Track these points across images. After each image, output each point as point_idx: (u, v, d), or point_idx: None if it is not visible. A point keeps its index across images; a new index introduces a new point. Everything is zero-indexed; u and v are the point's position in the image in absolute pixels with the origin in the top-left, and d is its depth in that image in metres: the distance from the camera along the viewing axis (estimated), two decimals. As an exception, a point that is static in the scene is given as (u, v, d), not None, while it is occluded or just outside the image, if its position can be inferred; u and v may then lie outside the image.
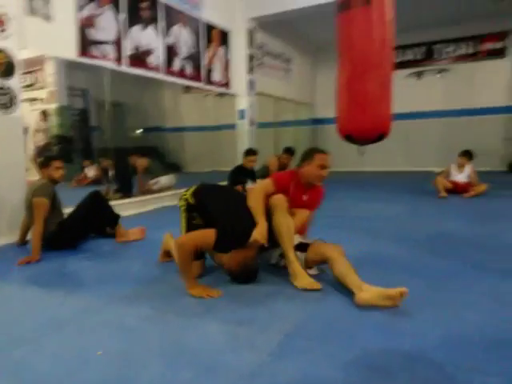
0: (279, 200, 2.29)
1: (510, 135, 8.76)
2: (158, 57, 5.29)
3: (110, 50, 4.57)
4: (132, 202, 5.04)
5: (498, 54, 8.78)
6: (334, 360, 1.44)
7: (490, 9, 7.90)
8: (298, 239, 2.37)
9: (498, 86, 8.80)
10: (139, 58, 5.00)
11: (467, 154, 5.62)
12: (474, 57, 9.01)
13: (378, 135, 2.02)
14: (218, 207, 2.34)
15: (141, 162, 5.95)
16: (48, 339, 1.69)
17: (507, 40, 8.68)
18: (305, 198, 2.52)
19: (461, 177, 5.59)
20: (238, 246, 2.18)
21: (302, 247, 2.32)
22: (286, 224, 2.22)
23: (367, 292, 1.88)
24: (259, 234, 2.16)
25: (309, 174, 2.47)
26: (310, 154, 2.49)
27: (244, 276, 2.22)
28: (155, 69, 5.28)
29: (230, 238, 2.16)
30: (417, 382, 1.30)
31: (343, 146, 8.65)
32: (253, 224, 2.22)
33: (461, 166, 5.62)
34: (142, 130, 10.13)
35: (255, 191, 2.35)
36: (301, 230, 2.47)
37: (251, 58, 7.37)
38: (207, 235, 2.14)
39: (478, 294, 2.03)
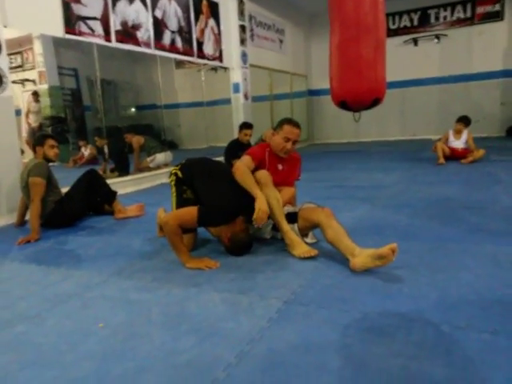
0: (263, 174, 2.29)
1: (507, 100, 8.68)
2: (146, 31, 5.17)
3: (97, 26, 4.46)
4: (129, 179, 5.03)
5: (494, 16, 8.59)
6: (332, 324, 1.47)
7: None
8: (285, 209, 2.36)
9: (494, 49, 8.65)
10: (128, 32, 4.88)
11: (464, 120, 5.57)
12: (470, 21, 8.82)
13: (372, 100, 1.98)
14: (203, 181, 2.34)
15: (136, 140, 5.91)
16: (50, 314, 1.71)
17: (502, 3, 8.48)
18: (280, 167, 2.51)
19: (458, 143, 5.56)
20: (224, 221, 2.18)
21: (290, 217, 2.32)
22: (274, 196, 2.22)
23: (360, 256, 1.90)
24: (262, 210, 2.14)
25: (275, 144, 2.46)
26: (280, 124, 2.47)
27: (236, 249, 2.24)
28: (145, 44, 5.16)
29: (214, 214, 2.16)
30: (414, 341, 1.32)
31: (340, 117, 8.61)
32: (240, 197, 2.22)
33: (458, 133, 5.58)
34: (135, 108, 10.02)
35: (241, 168, 2.33)
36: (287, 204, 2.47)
37: (243, 28, 7.21)
38: (189, 213, 2.14)
39: (475, 257, 2.05)
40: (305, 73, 10.35)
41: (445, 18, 9.04)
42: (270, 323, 1.50)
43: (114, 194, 3.49)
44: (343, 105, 2.04)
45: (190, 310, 1.65)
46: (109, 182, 3.74)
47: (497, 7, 8.56)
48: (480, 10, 8.70)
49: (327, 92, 10.21)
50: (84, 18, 4.30)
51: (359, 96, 1.97)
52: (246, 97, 7.38)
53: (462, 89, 9.02)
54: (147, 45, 5.20)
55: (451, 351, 1.26)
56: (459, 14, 8.90)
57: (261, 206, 2.14)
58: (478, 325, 1.39)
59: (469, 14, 8.82)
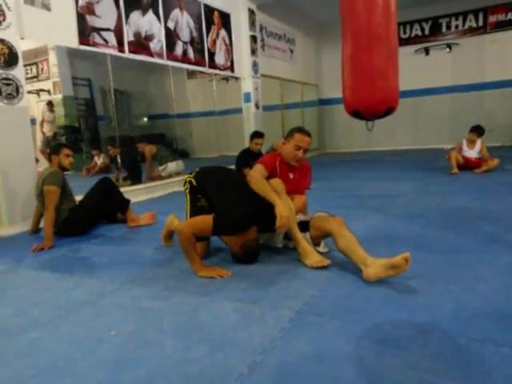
0: (277, 182, 2.29)
1: (522, 109, 8.58)
2: (159, 42, 5.25)
3: (111, 37, 4.54)
4: (141, 188, 5.07)
5: (507, 25, 8.54)
6: (345, 335, 1.45)
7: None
8: (297, 218, 2.36)
9: (507, 58, 8.58)
10: (141, 43, 4.96)
11: (478, 130, 5.51)
12: (482, 30, 8.77)
13: (386, 109, 1.97)
14: (217, 190, 2.35)
15: (148, 149, 5.97)
16: (63, 321, 1.72)
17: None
18: (291, 176, 2.50)
19: (472, 153, 5.50)
20: (239, 230, 2.17)
21: (302, 226, 2.31)
22: (288, 205, 2.22)
23: (373, 266, 1.88)
24: (284, 217, 2.12)
25: (286, 153, 2.46)
26: (291, 133, 2.46)
27: (246, 257, 2.23)
28: (157, 54, 5.24)
29: (230, 223, 2.15)
30: (430, 353, 1.30)
31: (351, 126, 8.61)
32: (254, 207, 2.21)
33: (472, 142, 5.52)
34: (147, 118, 10.13)
35: (255, 176, 2.33)
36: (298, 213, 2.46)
37: (254, 39, 7.28)
38: (205, 221, 2.14)
39: (491, 268, 2.01)
40: (316, 82, 10.38)
41: (456, 26, 9.01)
42: (282, 333, 1.48)
43: (128, 202, 3.52)
44: (356, 114, 2.04)
45: (202, 318, 1.64)
46: (121, 190, 3.77)
47: (509, 16, 8.50)
48: (492, 18, 8.65)
49: (338, 101, 10.19)
50: (98, 30, 4.39)
51: (372, 105, 1.96)
52: (257, 106, 7.42)
53: (474, 98, 8.95)
54: (160, 55, 5.28)
55: (469, 365, 1.23)
56: (471, 22, 8.86)
57: (282, 212, 2.13)
58: (496, 338, 1.36)
59: (481, 23, 8.77)
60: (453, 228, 2.78)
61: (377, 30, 1.89)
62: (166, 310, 1.74)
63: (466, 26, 8.91)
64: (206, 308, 1.74)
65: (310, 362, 1.29)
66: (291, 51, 9.12)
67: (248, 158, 5.26)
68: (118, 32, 4.64)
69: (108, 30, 4.52)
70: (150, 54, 5.14)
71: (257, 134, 5.25)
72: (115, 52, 4.63)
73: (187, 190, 2.47)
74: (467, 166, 5.38)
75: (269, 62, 8.01)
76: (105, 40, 4.46)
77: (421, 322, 1.50)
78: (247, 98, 7.34)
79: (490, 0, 8.51)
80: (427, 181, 4.95)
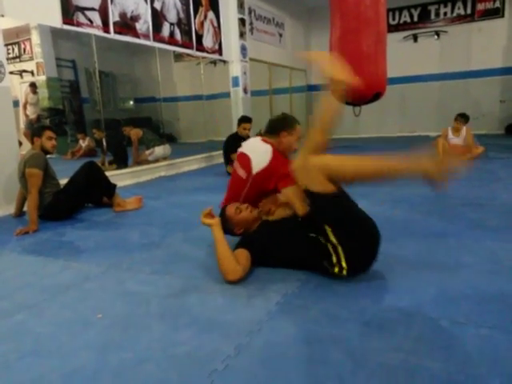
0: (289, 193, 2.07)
1: (506, 97, 8.68)
2: (145, 22, 5.13)
3: (95, 17, 4.42)
4: (127, 172, 5.01)
5: (495, 13, 8.57)
6: (331, 318, 1.47)
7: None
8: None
9: (494, 47, 8.63)
10: (126, 24, 4.84)
11: (462, 118, 5.57)
12: (470, 18, 8.79)
13: (373, 94, 1.97)
14: None
15: (135, 133, 5.89)
16: (48, 304, 1.71)
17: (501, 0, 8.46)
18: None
19: (457, 140, 5.56)
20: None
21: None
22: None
23: None
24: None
25: (288, 146, 2.27)
26: (291, 124, 2.29)
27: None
28: (144, 35, 5.12)
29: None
30: (412, 335, 1.33)
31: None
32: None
33: (457, 130, 5.57)
34: (133, 101, 9.97)
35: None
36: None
37: (242, 22, 7.17)
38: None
39: (474, 252, 2.05)
40: (304, 67, 10.30)
41: (445, 14, 9.01)
42: (269, 316, 1.50)
43: (114, 186, 3.47)
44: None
45: (189, 302, 1.65)
46: (108, 174, 3.72)
47: (497, 4, 8.53)
48: (480, 6, 8.66)
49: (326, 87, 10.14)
50: (82, 9, 4.26)
51: (360, 90, 1.96)
52: (245, 91, 7.35)
53: (461, 86, 9.01)
54: (146, 37, 5.17)
55: (450, 346, 1.26)
56: (459, 10, 8.87)
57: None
58: (477, 320, 1.40)
59: (469, 11, 8.78)
60: (437, 214, 2.82)
61: (365, 12, 1.88)
62: (153, 294, 1.74)
63: (455, 14, 8.92)
64: (193, 291, 1.75)
65: (297, 344, 1.31)
66: (280, 35, 9.02)
67: (236, 143, 5.19)
68: (103, 12, 4.51)
69: (92, 9, 4.39)
70: (136, 35, 5.02)
71: (245, 119, 5.21)
72: (100, 32, 4.51)
73: None
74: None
75: (257, 46, 7.92)
76: (89, 20, 4.34)
77: (404, 305, 1.53)
78: (235, 82, 7.26)
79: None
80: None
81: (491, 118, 8.77)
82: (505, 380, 1.10)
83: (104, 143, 5.47)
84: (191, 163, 6.13)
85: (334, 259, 1.70)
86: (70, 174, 3.38)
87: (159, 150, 5.83)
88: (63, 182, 3.37)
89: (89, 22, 4.34)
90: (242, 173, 2.24)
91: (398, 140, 8.73)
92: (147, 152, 5.82)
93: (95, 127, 6.01)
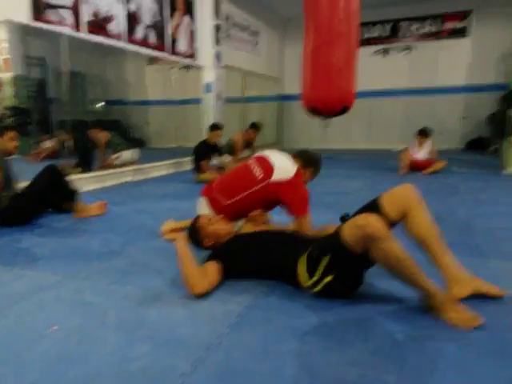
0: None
1: (468, 114, 9.07)
2: (119, 24, 5.04)
3: (66, 15, 4.31)
4: (92, 176, 4.88)
5: (460, 32, 8.97)
6: (292, 330, 1.47)
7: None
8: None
9: (458, 65, 9.02)
10: (99, 24, 4.75)
11: (423, 133, 5.79)
12: (437, 35, 9.16)
13: (342, 107, 2.01)
14: None
15: (102, 136, 5.76)
16: (1, 315, 1.62)
17: (468, 20, 8.87)
18: None
19: (421, 154, 5.75)
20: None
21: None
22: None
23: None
24: None
25: (304, 181, 2.38)
26: (317, 170, 2.42)
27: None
28: (116, 36, 5.03)
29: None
30: (369, 348, 1.34)
31: (308, 123, 8.67)
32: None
33: (420, 144, 5.77)
34: (103, 103, 9.76)
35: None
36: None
37: (217, 28, 7.17)
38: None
39: (430, 266, 2.10)
40: (278, 76, 10.42)
41: (415, 30, 9.34)
42: (229, 329, 1.48)
43: (76, 191, 3.37)
44: (313, 111, 2.06)
45: (148, 314, 1.61)
46: (71, 178, 3.61)
47: (463, 24, 8.92)
48: (448, 25, 9.03)
49: (298, 97, 10.30)
50: (53, 6, 4.14)
51: (329, 103, 1.99)
52: (218, 97, 7.34)
53: (427, 102, 9.34)
54: (119, 38, 5.08)
55: (406, 359, 1.29)
56: (428, 27, 9.21)
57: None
58: (432, 334, 1.43)
59: (437, 29, 9.14)
60: (398, 227, 2.88)
61: (338, 26, 1.91)
62: (111, 305, 1.69)
63: (425, 31, 9.25)
64: (153, 303, 1.71)
65: (256, 358, 1.30)
66: (255, 44, 9.09)
67: (206, 150, 5.21)
68: (75, 10, 4.40)
69: (64, 7, 4.28)
70: (109, 36, 4.93)
71: (216, 126, 5.21)
72: (72, 31, 4.39)
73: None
74: (416, 166, 5.62)
75: (232, 54, 7.94)
76: (61, 18, 4.23)
77: (365, 318, 1.55)
78: (208, 88, 7.23)
79: (447, 7, 8.87)
80: (377, 179, 5.12)
81: (454, 133, 9.12)
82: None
83: (69, 145, 5.31)
84: (159, 169, 6.05)
85: (318, 273, 1.65)
86: (31, 177, 3.25)
87: (127, 155, 5.72)
88: (23, 184, 3.24)
89: (60, 20, 4.22)
90: (258, 173, 2.24)
91: (364, 152, 8.94)
92: (114, 156, 5.69)
93: (61, 128, 5.84)
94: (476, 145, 8.79)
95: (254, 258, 1.90)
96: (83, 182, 4.46)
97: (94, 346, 1.38)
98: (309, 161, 2.38)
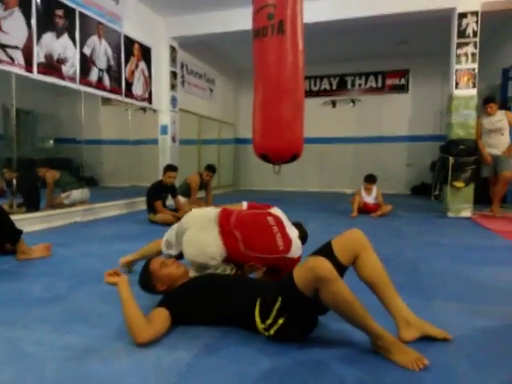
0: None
1: (412, 161, 9.70)
2: (72, 66, 5.04)
3: (18, 56, 4.26)
4: (38, 216, 4.65)
5: (401, 88, 9.76)
6: (242, 377, 1.44)
7: (393, 49, 8.82)
8: None
9: (401, 117, 9.74)
10: (52, 65, 4.72)
11: (368, 179, 6.11)
12: (381, 90, 9.90)
13: (291, 156, 2.11)
14: None
15: (50, 175, 5.57)
16: None
17: (406, 78, 9.70)
18: None
19: (369, 198, 6.03)
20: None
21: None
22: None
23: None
24: None
25: None
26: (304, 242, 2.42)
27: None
28: (70, 78, 5.01)
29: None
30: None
31: (263, 166, 8.89)
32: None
33: (368, 189, 6.06)
34: (54, 141, 9.51)
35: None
36: None
37: (174, 75, 7.35)
38: None
39: (379, 307, 2.16)
40: (233, 121, 10.70)
41: (360, 85, 10.05)
42: (178, 377, 1.43)
43: (19, 232, 3.19)
44: (264, 157, 2.14)
45: (91, 365, 1.52)
46: (15, 218, 3.44)
47: (402, 81, 9.73)
48: (389, 81, 9.82)
49: (251, 142, 10.52)
50: (3, 46, 4.09)
51: (279, 151, 2.09)
52: (173, 139, 7.40)
53: (373, 149, 9.92)
54: (72, 80, 5.06)
55: (353, 404, 1.29)
56: (372, 83, 9.95)
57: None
58: (382, 375, 1.46)
59: (380, 84, 9.90)
60: (349, 270, 2.96)
61: (286, 83, 2.04)
62: (50, 356, 1.58)
63: (368, 85, 9.98)
64: (96, 352, 1.62)
65: None
66: (211, 90, 9.36)
67: (160, 190, 5.16)
68: (27, 51, 4.37)
69: (16, 47, 4.24)
70: (62, 77, 4.89)
71: (170, 168, 5.20)
72: (21, 71, 4.33)
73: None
74: (365, 210, 5.87)
75: (188, 98, 8.11)
76: (11, 58, 4.17)
77: (317, 361, 1.55)
78: (164, 130, 7.29)
79: (387, 65, 9.67)
80: (330, 222, 5.27)
81: (399, 179, 9.68)
82: None
83: (14, 184, 5.07)
84: (111, 209, 5.89)
85: (271, 316, 1.66)
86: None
87: (76, 194, 5.55)
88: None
89: (10, 60, 4.16)
90: (280, 244, 2.17)
91: (317, 195, 9.23)
92: (63, 195, 5.50)
93: (6, 166, 5.58)
94: (420, 190, 9.35)
95: (209, 303, 1.85)
96: (28, 222, 4.25)
97: (29, 402, 1.28)
98: (303, 236, 2.40)
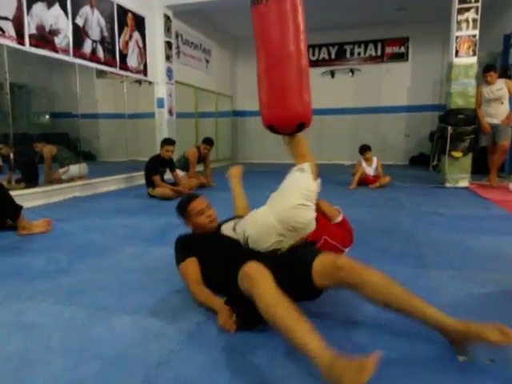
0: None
1: (410, 132, 9.64)
2: (65, 37, 4.92)
3: (8, 27, 4.15)
4: (37, 192, 4.66)
5: (400, 57, 9.59)
6: (243, 345, 1.48)
7: (392, 16, 8.61)
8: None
9: (400, 87, 9.60)
10: (44, 37, 4.61)
11: (363, 149, 6.04)
12: (380, 59, 9.72)
13: (297, 125, 2.09)
14: None
15: (48, 150, 5.54)
16: None
17: (406, 46, 9.51)
18: None
19: (370, 170, 6.03)
20: None
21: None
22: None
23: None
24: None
25: None
26: None
27: None
28: (63, 50, 4.90)
29: None
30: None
31: (263, 139, 8.82)
32: None
33: (368, 160, 6.05)
34: (49, 116, 9.40)
35: None
36: None
37: (169, 45, 7.19)
38: None
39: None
40: (230, 93, 10.54)
41: (359, 53, 9.86)
42: (180, 346, 1.47)
43: (19, 208, 3.21)
44: (271, 128, 2.13)
45: (96, 334, 1.56)
46: (14, 194, 3.44)
47: (402, 49, 9.54)
48: (388, 50, 9.63)
49: (251, 113, 10.50)
50: (-7, 17, 3.99)
51: (284, 121, 2.08)
52: (170, 112, 7.31)
53: (372, 120, 9.83)
54: (65, 52, 4.95)
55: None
56: (371, 51, 9.77)
57: None
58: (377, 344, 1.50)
59: (379, 53, 9.71)
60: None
61: (286, 49, 2.00)
62: (56, 326, 1.63)
63: (367, 54, 9.79)
64: (101, 323, 1.66)
65: (205, 375, 1.30)
66: (207, 61, 9.18)
67: (158, 164, 5.15)
68: (18, 22, 4.25)
69: (5, 18, 4.12)
70: (55, 50, 4.79)
71: (168, 141, 5.17)
72: (13, 43, 4.23)
73: None
74: (364, 182, 5.88)
75: (184, 70, 7.97)
76: (1, 29, 4.06)
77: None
78: (160, 103, 7.20)
79: (387, 33, 9.46)
80: (329, 194, 5.26)
81: (397, 150, 9.65)
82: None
83: (12, 159, 5.05)
84: (110, 183, 5.89)
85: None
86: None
87: (74, 169, 5.53)
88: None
89: (0, 32, 4.06)
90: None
91: (316, 167, 9.21)
92: (61, 170, 5.49)
93: (2, 142, 5.55)
94: (418, 160, 9.34)
95: (212, 265, 1.86)
96: (27, 197, 4.25)
97: (37, 371, 1.32)
98: None
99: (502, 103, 5.52)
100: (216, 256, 1.87)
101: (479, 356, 1.37)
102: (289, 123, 2.08)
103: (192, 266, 1.88)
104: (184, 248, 1.98)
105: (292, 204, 1.71)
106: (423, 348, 1.44)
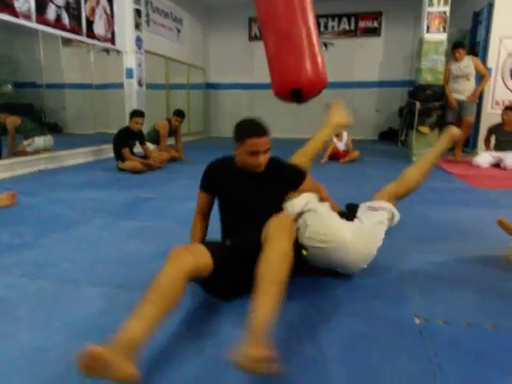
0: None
1: (381, 107, 9.77)
2: (26, 2, 4.65)
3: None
4: (1, 164, 4.50)
5: (373, 32, 9.59)
6: (232, 313, 1.52)
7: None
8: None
9: (372, 62, 9.64)
10: (3, 1, 4.34)
11: None
12: (353, 33, 9.69)
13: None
14: None
15: (11, 121, 5.31)
16: None
17: (379, 20, 9.51)
18: None
19: (340, 145, 6.10)
20: None
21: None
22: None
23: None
24: None
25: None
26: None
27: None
28: (24, 15, 4.64)
29: None
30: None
31: (236, 113, 8.75)
32: None
33: (338, 135, 6.11)
34: (12, 85, 8.97)
35: None
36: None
37: (138, 13, 6.92)
38: None
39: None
40: (203, 65, 10.31)
41: (332, 27, 9.78)
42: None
43: (-20, 180, 3.10)
44: (296, 94, 2.19)
45: (64, 306, 1.57)
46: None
47: (375, 24, 9.54)
48: (362, 24, 9.60)
49: (225, 86, 10.29)
50: None
51: (313, 84, 2.20)
52: (139, 83, 7.11)
53: (344, 94, 9.85)
54: (27, 17, 4.68)
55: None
56: (345, 25, 9.71)
57: None
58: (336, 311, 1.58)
59: (352, 27, 9.67)
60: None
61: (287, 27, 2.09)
62: (23, 299, 1.62)
63: (341, 28, 9.73)
64: (69, 295, 1.67)
65: (178, 343, 1.34)
66: (178, 30, 8.89)
67: (127, 137, 5.04)
68: (-28, -18, 3.99)
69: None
70: (15, 14, 4.52)
71: (137, 113, 5.05)
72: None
73: None
74: (335, 156, 5.96)
75: (154, 39, 7.71)
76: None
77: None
78: (129, 73, 6.98)
79: (360, 6, 9.40)
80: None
81: (368, 125, 9.77)
82: None
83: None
84: (77, 156, 5.74)
85: None
86: None
87: (39, 141, 5.35)
88: None
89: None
90: None
91: (289, 141, 9.24)
92: (26, 142, 5.29)
93: (-40, 112, 5.28)
94: (388, 135, 9.52)
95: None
96: (-11, 171, 4.11)
97: (3, 343, 1.33)
98: None
99: (469, 80, 5.65)
100: (234, 207, 1.85)
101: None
102: (317, 85, 2.19)
103: (202, 200, 1.89)
104: (208, 177, 1.90)
105: (366, 257, 1.83)
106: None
